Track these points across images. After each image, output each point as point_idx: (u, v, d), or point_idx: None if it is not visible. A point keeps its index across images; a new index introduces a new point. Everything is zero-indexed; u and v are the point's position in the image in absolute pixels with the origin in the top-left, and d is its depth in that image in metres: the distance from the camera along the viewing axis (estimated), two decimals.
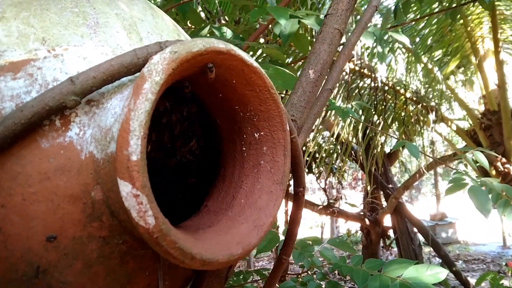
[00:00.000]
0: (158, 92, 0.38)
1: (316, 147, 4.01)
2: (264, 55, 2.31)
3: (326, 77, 0.69)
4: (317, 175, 4.43)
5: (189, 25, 1.68)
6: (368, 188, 4.13)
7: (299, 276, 1.18)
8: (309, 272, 1.16)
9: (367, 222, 3.95)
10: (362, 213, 4.05)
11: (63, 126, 0.42)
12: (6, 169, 0.40)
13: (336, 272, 1.11)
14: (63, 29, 0.46)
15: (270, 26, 1.49)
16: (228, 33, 1.42)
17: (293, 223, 0.69)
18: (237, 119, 0.53)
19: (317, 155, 4.12)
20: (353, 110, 1.53)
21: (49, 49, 0.44)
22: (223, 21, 1.94)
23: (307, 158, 3.88)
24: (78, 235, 0.43)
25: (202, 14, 1.97)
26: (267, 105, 0.51)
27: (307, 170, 4.24)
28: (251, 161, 0.53)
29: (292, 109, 0.66)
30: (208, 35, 1.48)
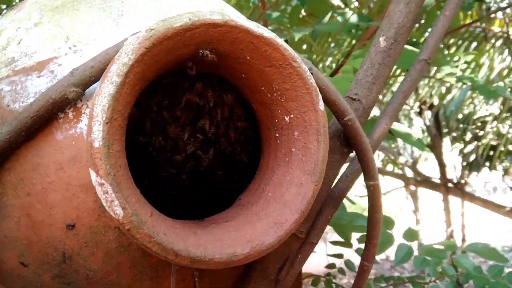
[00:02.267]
0: (127, 74, 0.35)
1: (498, 138, 3.42)
2: None
3: (403, 44, 0.56)
4: (503, 172, 3.80)
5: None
6: None
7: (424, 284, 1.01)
8: (437, 281, 0.98)
9: None
10: None
11: (75, 118, 0.43)
12: (28, 160, 0.43)
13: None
14: (87, 25, 0.47)
15: None
16: (354, 18, 1.31)
17: (371, 223, 0.59)
18: (266, 102, 0.47)
19: (502, 148, 3.51)
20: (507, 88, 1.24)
21: (70, 46, 0.46)
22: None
23: (483, 152, 3.36)
24: (95, 225, 0.44)
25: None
26: (292, 82, 0.43)
27: (488, 165, 3.67)
28: (283, 148, 0.46)
29: (356, 86, 0.55)
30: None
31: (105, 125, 0.34)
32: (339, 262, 1.51)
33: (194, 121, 0.53)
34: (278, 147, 0.47)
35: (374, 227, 0.59)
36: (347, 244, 1.39)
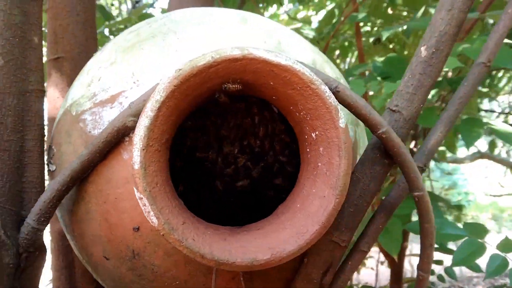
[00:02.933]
0: (159, 108, 0.43)
1: None
2: None
3: (445, 53, 0.54)
4: None
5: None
6: None
7: None
8: None
9: None
10: None
11: None
12: (103, 176, 0.54)
13: None
14: (148, 62, 0.57)
15: None
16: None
17: (422, 234, 0.59)
18: (296, 120, 0.51)
19: None
20: None
21: (135, 81, 0.56)
22: None
23: None
24: (155, 228, 0.53)
25: None
26: (313, 102, 0.47)
27: None
28: (312, 163, 0.50)
29: (397, 98, 0.55)
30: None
31: (141, 151, 0.42)
32: (438, 269, 1.44)
33: (242, 138, 0.59)
34: (308, 161, 0.51)
35: (426, 237, 0.58)
36: (446, 250, 1.32)
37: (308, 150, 0.51)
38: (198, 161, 0.59)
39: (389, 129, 0.51)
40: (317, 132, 0.48)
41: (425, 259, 0.60)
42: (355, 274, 2.44)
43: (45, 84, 0.79)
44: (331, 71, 0.66)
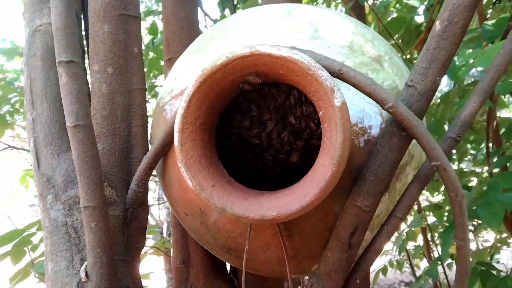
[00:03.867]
0: (190, 99, 0.57)
1: None
2: None
3: (461, 24, 0.54)
4: None
5: None
6: None
7: None
8: None
9: None
10: None
11: None
12: (172, 155, 0.71)
13: None
14: (208, 60, 0.71)
15: None
16: None
17: (451, 203, 0.61)
18: (310, 101, 0.59)
19: None
20: None
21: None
22: None
23: None
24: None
25: None
26: (314, 86, 0.55)
27: None
28: (324, 137, 0.58)
29: (413, 73, 0.58)
30: None
31: (178, 133, 0.57)
32: None
33: (283, 118, 0.70)
34: (322, 136, 0.59)
35: (454, 207, 0.60)
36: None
37: (322, 126, 0.59)
38: (247, 141, 0.72)
39: (396, 103, 0.56)
40: (322, 111, 0.56)
41: (458, 227, 0.62)
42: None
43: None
44: (373, 49, 0.70)
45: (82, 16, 0.91)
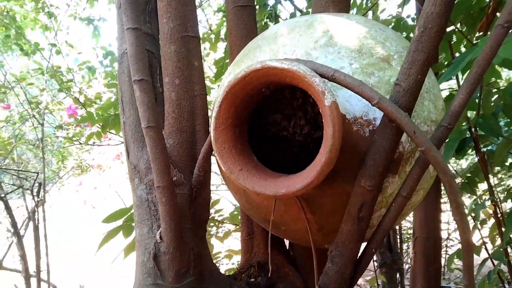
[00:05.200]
0: (220, 105, 0.75)
1: None
2: None
3: (435, 29, 0.63)
4: None
5: None
6: None
7: None
8: None
9: None
10: None
11: None
12: None
13: None
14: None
15: None
16: None
17: (443, 184, 0.70)
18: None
19: None
20: None
21: None
22: None
23: None
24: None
25: None
26: (311, 89, 0.69)
27: None
28: (325, 130, 0.72)
29: (399, 73, 0.68)
30: None
31: (213, 130, 0.76)
32: None
33: (305, 113, 0.84)
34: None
35: (445, 187, 0.69)
36: None
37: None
38: (280, 136, 0.88)
39: (381, 100, 0.67)
40: (320, 109, 0.70)
41: (452, 203, 0.70)
42: None
43: None
44: (382, 50, 0.81)
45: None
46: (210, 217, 1.80)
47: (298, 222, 0.87)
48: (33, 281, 2.89)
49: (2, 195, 2.92)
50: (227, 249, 2.07)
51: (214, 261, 2.30)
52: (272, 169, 0.81)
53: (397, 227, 2.88)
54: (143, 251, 0.92)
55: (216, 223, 1.82)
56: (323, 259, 0.89)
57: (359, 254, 0.84)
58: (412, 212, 1.63)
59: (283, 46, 0.85)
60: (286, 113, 0.87)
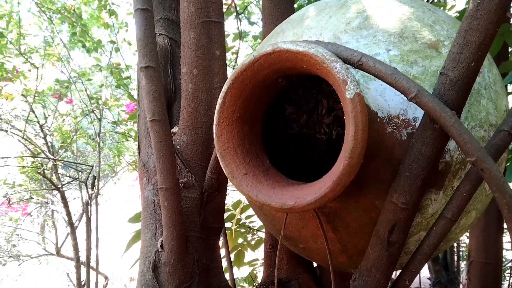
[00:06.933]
0: (225, 96, 0.63)
1: None
2: None
3: (496, 1, 0.47)
4: None
5: None
6: None
7: None
8: None
9: None
10: None
11: None
12: None
13: None
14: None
15: None
16: None
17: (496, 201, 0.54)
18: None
19: None
20: None
21: None
22: None
23: None
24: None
25: None
26: (330, 78, 0.56)
27: None
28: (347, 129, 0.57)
29: (446, 60, 0.53)
30: None
31: (215, 126, 0.64)
32: None
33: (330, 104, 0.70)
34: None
35: (503, 211, 0.53)
36: None
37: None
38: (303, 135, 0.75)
39: (420, 94, 0.52)
40: (341, 103, 0.56)
41: (510, 232, 0.53)
42: None
43: None
44: (430, 35, 0.65)
45: None
46: (240, 223, 1.69)
47: (318, 240, 0.73)
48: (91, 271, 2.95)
49: (59, 186, 3.02)
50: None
51: (251, 269, 2.18)
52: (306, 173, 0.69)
53: (455, 243, 2.59)
54: (144, 260, 0.83)
55: (248, 230, 1.70)
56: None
57: (388, 286, 0.68)
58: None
59: (308, 29, 0.71)
60: (306, 108, 0.73)
